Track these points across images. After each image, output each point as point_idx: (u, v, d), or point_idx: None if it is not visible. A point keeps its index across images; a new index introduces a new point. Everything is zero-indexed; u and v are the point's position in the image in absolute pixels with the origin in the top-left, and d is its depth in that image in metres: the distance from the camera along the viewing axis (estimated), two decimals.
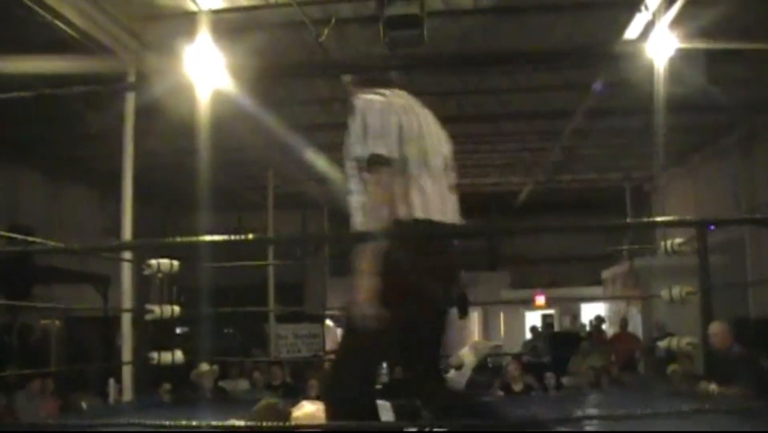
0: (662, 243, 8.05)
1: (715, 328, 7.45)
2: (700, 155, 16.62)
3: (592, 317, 17.29)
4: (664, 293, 7.89)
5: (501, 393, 10.04)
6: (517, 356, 12.12)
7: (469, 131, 14.67)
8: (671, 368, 10.71)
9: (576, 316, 19.68)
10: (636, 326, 15.65)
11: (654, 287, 15.12)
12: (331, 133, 14.02)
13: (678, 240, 7.90)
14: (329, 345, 16.52)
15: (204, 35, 8.91)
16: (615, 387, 10.60)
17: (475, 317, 21.82)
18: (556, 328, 19.83)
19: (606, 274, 19.18)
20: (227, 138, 12.48)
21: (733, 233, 14.52)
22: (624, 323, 14.44)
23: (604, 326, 15.66)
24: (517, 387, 10.39)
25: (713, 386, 7.00)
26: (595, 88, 11.12)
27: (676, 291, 7.76)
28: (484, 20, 9.46)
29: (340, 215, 20.24)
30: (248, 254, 16.65)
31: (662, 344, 7.84)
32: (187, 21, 8.98)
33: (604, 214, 20.92)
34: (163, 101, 10.33)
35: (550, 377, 11.18)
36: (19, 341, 13.13)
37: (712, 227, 14.42)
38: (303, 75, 10.52)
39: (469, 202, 14.51)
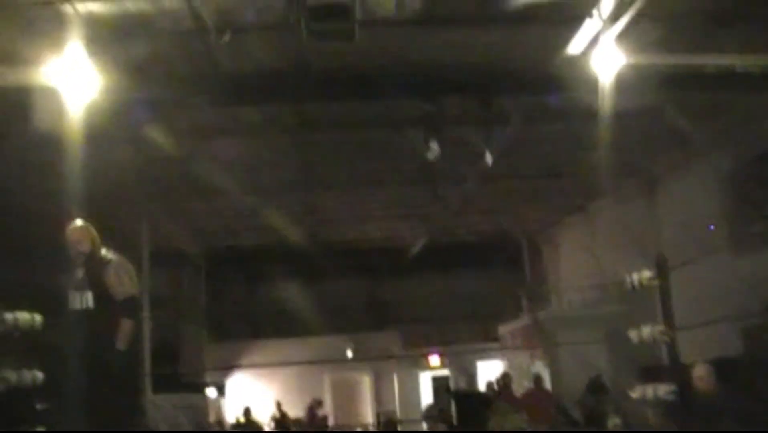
0: (628, 278, 7.05)
1: (702, 370, 6.43)
2: (599, 202, 15.88)
3: (489, 377, 16.29)
4: (633, 334, 6.86)
5: None
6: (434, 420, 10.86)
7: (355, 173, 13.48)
8: (612, 422, 9.76)
9: (472, 376, 18.60)
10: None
11: (561, 338, 14.29)
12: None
13: (647, 273, 6.89)
14: (214, 417, 14.86)
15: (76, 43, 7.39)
16: None
17: (366, 380, 20.41)
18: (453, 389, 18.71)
19: (504, 329, 18.24)
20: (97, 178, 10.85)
21: None
22: (538, 378, 13.41)
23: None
24: None
25: None
26: None
27: (647, 331, 6.72)
28: (404, 33, 8.30)
29: (220, 276, 18.93)
30: None
31: (635, 394, 6.71)
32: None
33: (498, 269, 20.14)
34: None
35: None
36: None
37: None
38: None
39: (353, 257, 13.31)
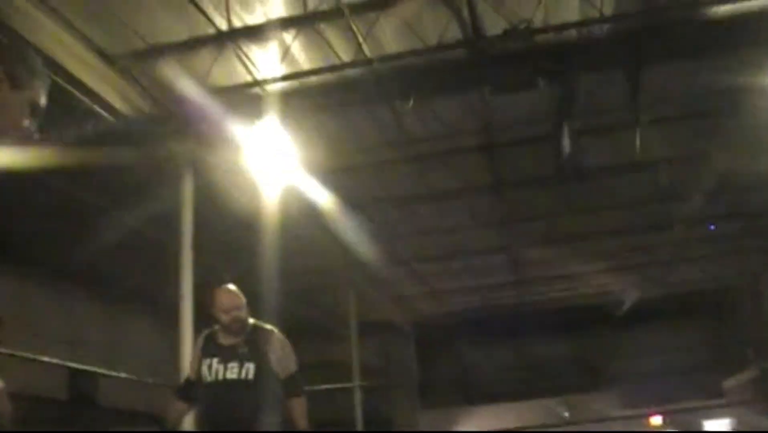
0: None
1: None
2: None
3: None
4: None
5: None
6: None
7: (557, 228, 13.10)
8: None
9: None
10: None
11: None
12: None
13: None
14: None
15: (269, 118, 7.66)
16: None
17: None
18: None
19: (729, 384, 17.09)
20: (301, 253, 11.17)
21: None
22: None
23: None
24: None
25: None
26: None
27: None
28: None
29: (427, 342, 18.91)
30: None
31: None
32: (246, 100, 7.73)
33: (717, 320, 18.98)
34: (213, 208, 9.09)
35: None
36: None
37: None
38: None
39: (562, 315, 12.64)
